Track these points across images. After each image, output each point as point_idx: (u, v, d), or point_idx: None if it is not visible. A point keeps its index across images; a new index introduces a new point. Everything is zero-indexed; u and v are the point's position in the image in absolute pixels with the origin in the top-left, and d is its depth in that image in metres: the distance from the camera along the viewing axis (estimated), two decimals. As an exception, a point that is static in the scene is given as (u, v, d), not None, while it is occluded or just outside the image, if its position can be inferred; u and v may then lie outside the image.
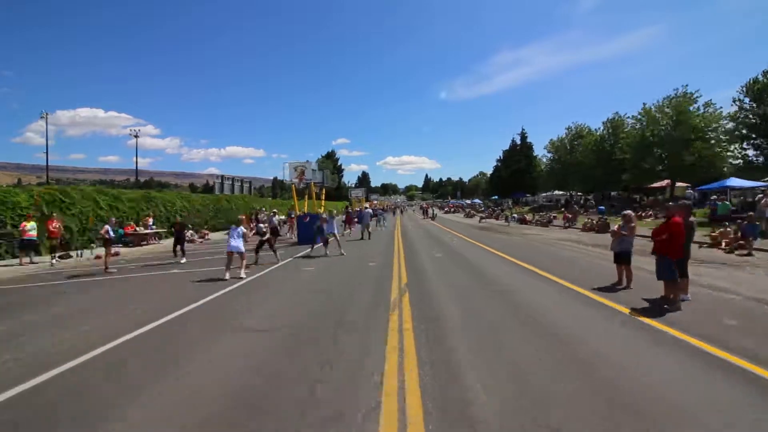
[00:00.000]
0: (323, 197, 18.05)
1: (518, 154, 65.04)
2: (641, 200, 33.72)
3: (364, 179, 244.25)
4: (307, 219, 16.17)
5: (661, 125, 29.76)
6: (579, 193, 49.42)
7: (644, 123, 30.96)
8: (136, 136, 55.80)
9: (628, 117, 38.45)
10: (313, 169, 18.32)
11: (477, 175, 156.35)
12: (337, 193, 79.34)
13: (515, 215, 34.62)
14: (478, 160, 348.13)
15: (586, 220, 22.74)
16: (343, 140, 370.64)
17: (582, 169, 40.28)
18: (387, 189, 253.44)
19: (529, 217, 31.75)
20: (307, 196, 17.23)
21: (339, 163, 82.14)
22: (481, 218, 37.26)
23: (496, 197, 69.81)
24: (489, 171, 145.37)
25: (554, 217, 29.30)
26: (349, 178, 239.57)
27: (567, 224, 25.60)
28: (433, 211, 43.10)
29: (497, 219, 39.13)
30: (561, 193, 53.49)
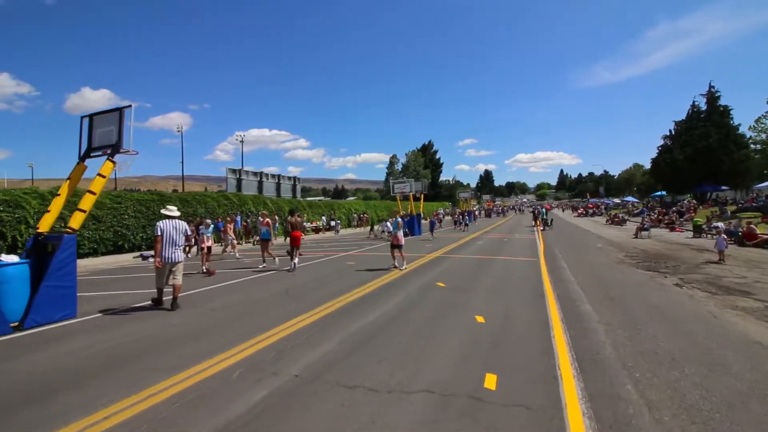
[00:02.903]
0: (96, 185, 6.14)
1: (703, 125, 41.51)
2: None
3: (486, 178, 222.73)
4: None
5: None
6: None
7: None
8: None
9: None
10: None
11: (630, 167, 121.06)
12: (435, 192, 66.41)
13: None
14: (628, 154, 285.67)
15: None
16: (470, 140, 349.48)
17: None
18: (513, 188, 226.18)
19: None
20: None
21: (437, 157, 68.87)
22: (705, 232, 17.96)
23: (663, 193, 46.92)
24: (646, 163, 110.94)
25: None
26: (472, 179, 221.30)
27: None
28: (545, 215, 26.72)
29: (709, 233, 19.00)
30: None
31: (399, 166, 61.84)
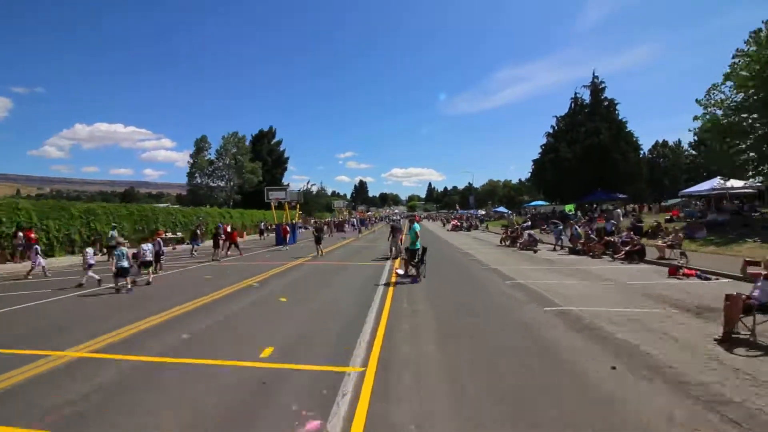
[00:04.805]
0: None
1: (592, 118, 34.25)
2: None
3: (361, 188, 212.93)
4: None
5: None
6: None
7: None
8: None
9: None
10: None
11: (489, 181, 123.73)
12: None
13: None
14: (484, 171, 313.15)
15: None
16: (351, 153, 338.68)
17: None
18: (386, 199, 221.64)
19: None
20: None
21: (281, 149, 51.55)
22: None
23: (546, 202, 39.22)
24: (501, 179, 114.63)
25: None
26: (348, 189, 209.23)
27: None
28: (412, 235, 12.50)
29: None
30: (730, 188, 20.26)
31: (212, 154, 41.92)
